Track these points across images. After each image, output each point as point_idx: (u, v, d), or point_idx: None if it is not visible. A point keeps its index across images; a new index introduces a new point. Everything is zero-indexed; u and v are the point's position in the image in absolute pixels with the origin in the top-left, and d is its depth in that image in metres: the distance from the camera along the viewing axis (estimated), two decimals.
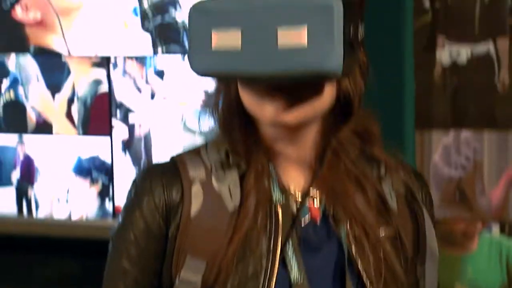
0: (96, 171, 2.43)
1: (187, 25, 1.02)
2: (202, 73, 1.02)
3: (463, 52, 2.22)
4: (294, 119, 1.04)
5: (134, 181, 1.14)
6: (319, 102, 1.05)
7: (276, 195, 1.08)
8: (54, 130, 2.46)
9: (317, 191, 1.10)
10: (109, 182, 2.42)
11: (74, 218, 2.46)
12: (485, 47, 2.21)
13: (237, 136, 1.10)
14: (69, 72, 2.43)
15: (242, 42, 0.99)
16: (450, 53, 2.23)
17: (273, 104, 1.03)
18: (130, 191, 1.13)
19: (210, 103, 1.13)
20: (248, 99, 1.06)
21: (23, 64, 2.47)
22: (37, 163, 2.48)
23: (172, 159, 1.12)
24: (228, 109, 1.10)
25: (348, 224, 1.08)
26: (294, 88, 1.03)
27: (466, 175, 2.24)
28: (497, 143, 2.22)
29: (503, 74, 2.19)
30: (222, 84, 1.11)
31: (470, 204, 2.24)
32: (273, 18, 0.98)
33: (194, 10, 1.01)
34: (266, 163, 1.09)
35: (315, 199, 1.10)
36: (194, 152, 1.12)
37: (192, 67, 1.02)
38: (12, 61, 2.47)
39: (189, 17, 1.02)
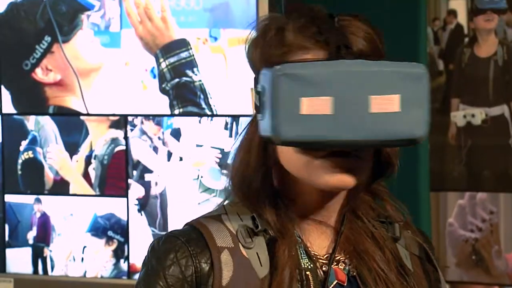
0: (112, 230, 2.44)
1: (272, 90, 1.00)
2: (290, 141, 1.00)
3: (478, 114, 2.23)
4: (355, 183, 1.04)
5: (154, 251, 1.09)
6: (370, 164, 1.06)
7: (304, 261, 1.08)
8: (71, 189, 2.48)
9: (341, 253, 1.11)
10: (125, 241, 2.42)
11: (89, 277, 2.46)
12: (500, 110, 2.21)
13: (266, 203, 1.08)
14: (87, 133, 2.46)
15: (334, 109, 0.98)
16: (465, 114, 2.24)
17: (337, 169, 1.03)
18: (149, 262, 1.08)
19: (235, 171, 1.10)
20: (301, 164, 1.04)
21: (42, 124, 2.50)
22: (53, 221, 2.49)
23: (193, 226, 1.09)
24: (263, 178, 1.08)
25: (374, 284, 1.09)
26: (356, 151, 1.03)
27: (482, 237, 2.22)
28: None
29: None
30: (259, 153, 1.08)
31: (487, 266, 2.22)
32: (365, 85, 0.99)
33: (282, 76, 0.99)
34: (293, 229, 1.08)
35: (339, 261, 1.11)
36: (214, 218, 1.09)
37: (279, 134, 1.00)
38: (31, 121, 2.51)
39: (275, 82, 1.00)
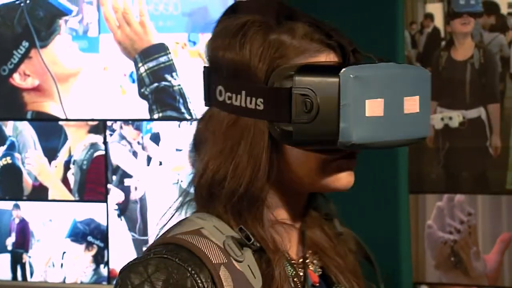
0: (92, 236, 2.43)
1: (344, 93, 0.99)
2: (359, 143, 1.00)
3: (455, 116, 2.24)
4: None
5: (139, 274, 1.00)
6: None
7: (287, 268, 1.07)
8: (50, 195, 2.47)
9: (309, 253, 1.11)
10: (105, 246, 2.42)
11: (69, 282, 2.45)
12: (477, 112, 2.23)
13: (262, 213, 1.05)
14: (66, 138, 2.45)
15: (384, 111, 1.01)
16: (443, 117, 2.25)
17: (348, 170, 1.05)
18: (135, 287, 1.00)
19: (233, 180, 1.04)
20: (318, 167, 1.04)
21: (20, 129, 2.49)
22: (32, 227, 2.48)
23: (177, 245, 1.02)
24: (259, 191, 1.04)
25: (345, 280, 1.11)
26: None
27: (460, 239, 2.24)
28: (490, 207, 2.22)
29: (495, 138, 2.21)
30: (269, 158, 1.03)
31: (466, 268, 2.24)
32: (401, 87, 1.02)
33: (354, 79, 1.00)
34: (279, 238, 1.07)
35: (309, 263, 1.11)
36: (195, 234, 1.03)
37: (349, 137, 1.00)
38: (9, 126, 2.50)
39: (347, 85, 0.99)
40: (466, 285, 2.24)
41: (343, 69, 0.99)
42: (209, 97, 1.08)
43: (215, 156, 1.05)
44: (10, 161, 2.49)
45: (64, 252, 2.45)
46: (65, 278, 2.45)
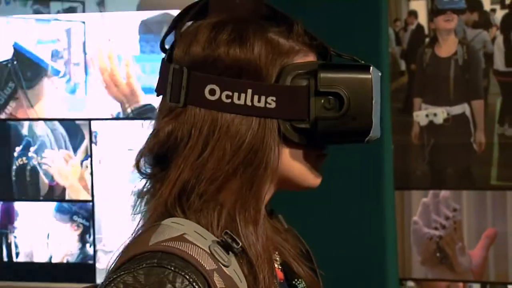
0: (77, 215, 2.44)
1: (375, 91, 1.02)
2: (375, 138, 1.05)
3: (440, 113, 2.25)
4: None
5: (137, 286, 0.95)
6: None
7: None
8: (67, 195, 2.47)
9: (271, 249, 1.08)
10: (91, 225, 2.43)
11: (55, 261, 2.45)
12: (461, 108, 2.24)
13: (256, 216, 1.02)
14: (83, 137, 2.47)
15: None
16: (427, 114, 2.26)
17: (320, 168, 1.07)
18: None
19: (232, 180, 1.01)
20: (309, 164, 1.06)
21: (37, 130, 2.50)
22: (17, 207, 2.48)
23: (167, 252, 0.97)
24: (263, 191, 1.03)
25: (302, 271, 1.12)
26: None
27: (446, 235, 2.25)
28: (475, 203, 2.23)
29: (479, 134, 2.22)
30: (278, 155, 1.02)
31: (451, 263, 2.25)
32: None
33: (380, 77, 1.04)
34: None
35: (274, 259, 1.12)
36: (181, 240, 0.98)
37: (377, 132, 1.04)
38: (25, 127, 2.51)
39: (376, 81, 1.03)
40: (452, 280, 2.25)
41: (371, 67, 1.02)
42: (186, 97, 1.02)
43: (216, 156, 1.01)
44: (26, 161, 2.49)
45: (49, 231, 2.46)
46: (51, 257, 2.45)
